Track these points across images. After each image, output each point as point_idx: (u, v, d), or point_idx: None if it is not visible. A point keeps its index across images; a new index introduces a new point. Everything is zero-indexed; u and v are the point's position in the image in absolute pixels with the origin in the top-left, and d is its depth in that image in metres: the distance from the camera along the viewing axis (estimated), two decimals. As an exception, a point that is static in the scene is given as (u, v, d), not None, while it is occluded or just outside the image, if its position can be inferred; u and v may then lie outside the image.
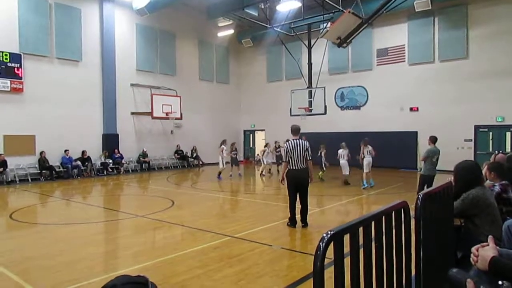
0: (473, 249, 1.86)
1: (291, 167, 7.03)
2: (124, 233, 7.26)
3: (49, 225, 7.70)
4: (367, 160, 12.54)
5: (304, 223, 7.12)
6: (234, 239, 6.28)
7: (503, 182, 4.53)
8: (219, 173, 15.47)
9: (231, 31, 22.39)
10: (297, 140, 7.10)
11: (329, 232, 1.54)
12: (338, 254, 1.63)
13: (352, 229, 1.68)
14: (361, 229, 1.75)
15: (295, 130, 7.28)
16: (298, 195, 7.14)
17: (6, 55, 14.72)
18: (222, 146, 16.02)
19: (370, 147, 12.87)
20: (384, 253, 1.95)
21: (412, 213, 2.33)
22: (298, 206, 7.15)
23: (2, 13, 14.81)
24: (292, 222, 7.12)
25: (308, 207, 7.28)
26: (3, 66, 14.64)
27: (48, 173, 15.60)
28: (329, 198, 11.27)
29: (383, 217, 1.94)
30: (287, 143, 7.22)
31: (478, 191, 3.70)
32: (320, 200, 10.96)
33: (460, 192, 3.78)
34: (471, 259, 1.86)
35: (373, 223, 1.85)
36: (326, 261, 1.57)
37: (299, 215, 7.15)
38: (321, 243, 1.53)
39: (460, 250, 3.79)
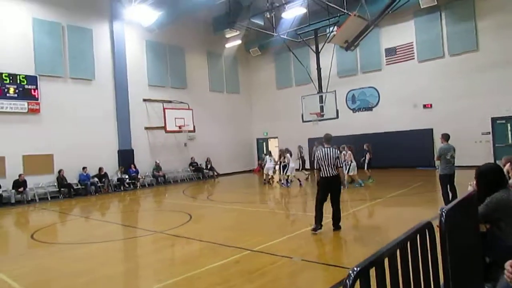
0: (507, 265, 1.79)
1: (322, 175, 7.23)
2: (143, 250, 7.29)
3: (69, 245, 7.79)
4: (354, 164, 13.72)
5: (336, 227, 7.18)
6: (254, 253, 6.23)
7: (528, 181, 4.41)
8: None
9: (238, 42, 22.53)
10: (328, 149, 7.28)
11: (355, 269, 1.49)
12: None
13: (378, 261, 1.63)
14: (386, 259, 1.70)
15: (327, 139, 7.51)
16: (329, 197, 7.27)
17: (23, 77, 15.14)
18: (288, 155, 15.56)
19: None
20: (412, 279, 1.88)
21: (436, 222, 2.25)
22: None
23: (18, 37, 15.26)
24: (317, 227, 7.08)
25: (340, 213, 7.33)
26: (21, 89, 15.05)
27: (67, 191, 15.86)
28: (348, 203, 11.14)
29: (408, 242, 1.88)
30: (318, 151, 7.36)
31: (502, 194, 3.60)
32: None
33: (484, 196, 3.69)
34: (505, 275, 1.79)
35: (398, 250, 1.79)
36: None
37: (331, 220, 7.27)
38: (347, 281, 1.48)
39: (487, 255, 3.68)
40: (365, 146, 14.68)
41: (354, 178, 13.76)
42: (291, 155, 15.53)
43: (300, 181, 15.32)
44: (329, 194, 7.30)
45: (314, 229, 7.13)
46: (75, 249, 7.38)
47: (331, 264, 5.52)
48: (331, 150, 7.27)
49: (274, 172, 16.67)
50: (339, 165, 7.24)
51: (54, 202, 14.93)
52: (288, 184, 15.05)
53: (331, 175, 7.17)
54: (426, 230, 2.08)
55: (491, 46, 16.51)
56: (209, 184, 19.35)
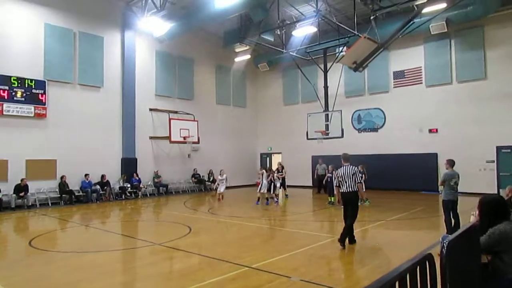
0: None
1: (342, 190, 7.90)
2: (142, 262, 7.23)
3: (68, 253, 7.76)
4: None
5: (343, 244, 7.54)
6: (252, 270, 6.17)
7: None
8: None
9: (247, 56, 22.79)
10: (347, 167, 7.92)
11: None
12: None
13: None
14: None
15: (346, 158, 8.14)
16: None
17: (31, 82, 15.28)
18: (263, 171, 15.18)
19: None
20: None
21: (436, 249, 2.22)
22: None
23: (29, 42, 15.48)
24: (351, 241, 7.84)
25: (352, 229, 7.84)
26: (28, 93, 15.18)
27: (68, 197, 15.83)
28: (343, 225, 11.03)
29: (408, 274, 1.86)
30: (339, 169, 8.03)
31: (505, 226, 3.57)
32: (333, 227, 10.76)
33: (486, 226, 3.66)
34: None
35: (397, 282, 1.77)
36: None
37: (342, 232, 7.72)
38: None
39: (487, 287, 3.62)
40: (359, 168, 14.49)
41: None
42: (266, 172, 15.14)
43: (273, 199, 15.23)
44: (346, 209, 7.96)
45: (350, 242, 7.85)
46: (73, 258, 7.34)
47: (330, 286, 5.44)
48: (350, 167, 7.87)
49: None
50: (357, 181, 7.75)
51: (55, 208, 14.90)
52: (277, 202, 14.99)
53: (349, 190, 7.75)
54: (427, 262, 2.05)
55: (500, 75, 16.55)
56: (210, 196, 19.28)
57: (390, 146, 19.32)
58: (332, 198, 14.72)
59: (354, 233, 7.95)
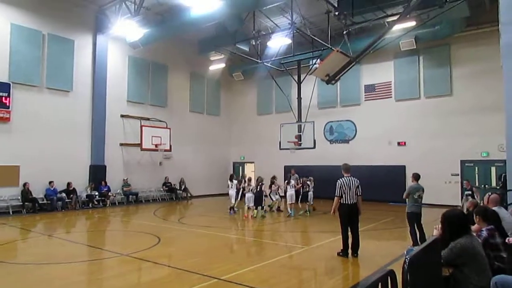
0: None
1: (344, 202, 7.74)
2: (108, 274, 7.00)
3: (28, 265, 7.39)
4: (289, 193, 14.51)
5: (356, 254, 7.73)
6: (221, 282, 6.10)
7: (489, 227, 4.57)
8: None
9: (222, 65, 22.80)
10: (350, 178, 7.84)
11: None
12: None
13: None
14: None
15: (347, 169, 8.05)
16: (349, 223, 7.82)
17: (-6, 84, 14.64)
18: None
19: (292, 181, 14.93)
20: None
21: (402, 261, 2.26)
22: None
23: (-7, 43, 14.86)
24: (344, 253, 7.75)
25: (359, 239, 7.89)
26: (-9, 95, 14.53)
27: (31, 206, 15.15)
28: (315, 235, 11.13)
29: None
30: (341, 180, 7.81)
31: (466, 240, 3.71)
32: (304, 237, 10.83)
33: (448, 240, 3.79)
34: None
35: None
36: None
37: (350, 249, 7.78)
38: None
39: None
40: (307, 179, 15.14)
41: (290, 207, 14.47)
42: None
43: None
44: (349, 220, 7.82)
45: (341, 255, 7.78)
46: (34, 270, 7.01)
47: (299, 299, 5.45)
48: (353, 179, 7.82)
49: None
50: (358, 193, 7.77)
51: (17, 217, 14.20)
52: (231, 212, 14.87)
53: (353, 202, 7.72)
54: (388, 278, 2.08)
55: (464, 92, 17.34)
56: (181, 205, 18.99)
57: (360, 158, 19.70)
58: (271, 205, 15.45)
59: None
